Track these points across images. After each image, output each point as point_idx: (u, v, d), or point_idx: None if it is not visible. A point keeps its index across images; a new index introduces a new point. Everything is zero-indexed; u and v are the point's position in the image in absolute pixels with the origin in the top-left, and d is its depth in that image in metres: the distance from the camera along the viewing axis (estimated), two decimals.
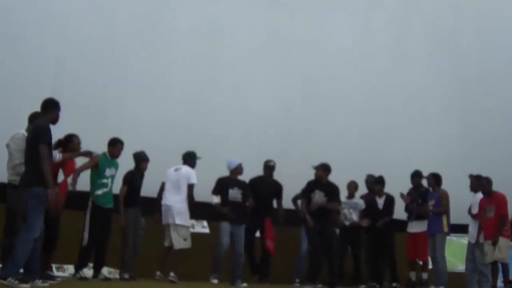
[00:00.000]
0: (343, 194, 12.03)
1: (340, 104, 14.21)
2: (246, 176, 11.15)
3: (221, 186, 10.63)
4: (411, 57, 15.02)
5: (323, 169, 10.82)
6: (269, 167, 11.41)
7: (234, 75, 13.65)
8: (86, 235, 9.26)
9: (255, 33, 13.96)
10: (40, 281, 7.48)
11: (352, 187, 12.10)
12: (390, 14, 15.10)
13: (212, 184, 10.94)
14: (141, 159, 10.36)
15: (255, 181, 11.34)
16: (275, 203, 11.49)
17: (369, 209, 12.05)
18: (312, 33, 14.46)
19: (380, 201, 12.06)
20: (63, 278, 9.78)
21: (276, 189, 11.42)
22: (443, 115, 14.80)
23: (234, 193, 10.54)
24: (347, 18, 14.73)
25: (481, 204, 10.72)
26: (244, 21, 13.96)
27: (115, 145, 9.73)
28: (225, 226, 10.35)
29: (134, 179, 10.26)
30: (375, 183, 12.11)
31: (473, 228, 11.13)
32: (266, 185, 11.31)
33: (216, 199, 10.50)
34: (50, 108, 7.73)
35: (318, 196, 10.64)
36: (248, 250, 11.10)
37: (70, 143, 9.06)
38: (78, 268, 9.38)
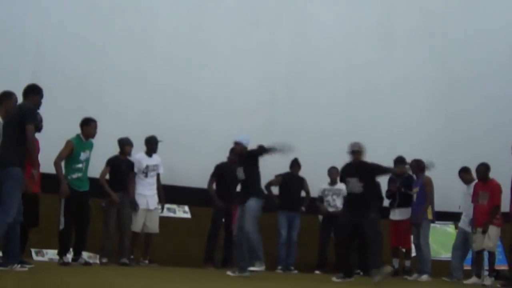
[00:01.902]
0: (326, 181, 11.99)
1: (324, 89, 14.05)
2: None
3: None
4: (397, 41, 14.88)
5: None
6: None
7: (217, 60, 13.48)
8: (62, 219, 9.12)
9: (238, 17, 13.78)
10: (19, 265, 7.32)
11: (334, 173, 11.94)
12: None
13: (193, 170, 10.86)
14: (125, 143, 10.37)
15: (221, 167, 11.20)
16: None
17: None
18: (297, 18, 14.31)
19: None
20: (43, 263, 9.67)
21: None
22: (428, 100, 14.68)
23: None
24: (332, 2, 14.57)
25: (476, 189, 10.60)
26: (227, 5, 13.80)
27: (89, 124, 9.42)
28: None
29: (117, 163, 10.29)
30: None
31: (467, 216, 11.02)
32: (231, 171, 10.89)
33: None
34: (31, 94, 7.65)
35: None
36: (211, 237, 11.04)
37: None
38: (61, 254, 9.23)
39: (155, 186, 10.82)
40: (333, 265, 11.67)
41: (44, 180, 8.95)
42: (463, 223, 11.08)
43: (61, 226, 9.13)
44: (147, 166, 10.70)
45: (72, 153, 9.23)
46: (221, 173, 11.16)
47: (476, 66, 14.84)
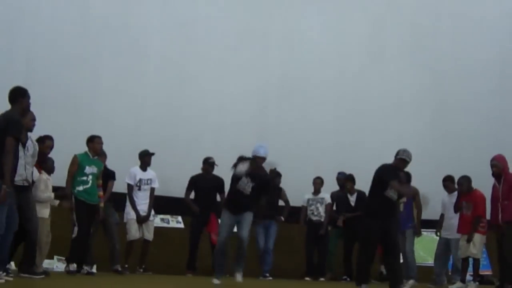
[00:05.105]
0: (309, 191, 12.26)
1: (315, 101, 14.26)
2: (220, 171, 11.27)
3: None
4: (386, 54, 15.00)
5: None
6: (210, 163, 11.47)
7: (209, 71, 13.66)
8: (75, 229, 9.49)
9: (230, 30, 13.99)
10: (4, 273, 7.34)
11: (318, 183, 12.26)
12: (366, 11, 15.08)
13: (186, 181, 11.46)
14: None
15: (196, 178, 11.51)
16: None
17: (342, 207, 12.26)
18: (287, 31, 14.51)
19: (352, 198, 12.24)
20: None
21: (218, 184, 11.39)
22: (417, 112, 14.83)
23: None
24: (323, 15, 14.72)
25: (461, 199, 10.82)
26: (219, 17, 13.99)
27: (93, 140, 9.84)
28: None
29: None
30: (347, 181, 12.25)
31: (447, 224, 11.27)
32: (207, 181, 11.43)
33: None
34: (19, 98, 7.33)
35: None
36: (193, 246, 11.32)
37: (41, 143, 8.69)
38: (68, 262, 9.64)
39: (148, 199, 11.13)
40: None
41: None
42: (445, 231, 11.36)
43: (74, 235, 9.50)
44: (140, 180, 11.04)
45: (77, 166, 9.61)
46: (196, 184, 11.47)
47: (464, 79, 14.94)
